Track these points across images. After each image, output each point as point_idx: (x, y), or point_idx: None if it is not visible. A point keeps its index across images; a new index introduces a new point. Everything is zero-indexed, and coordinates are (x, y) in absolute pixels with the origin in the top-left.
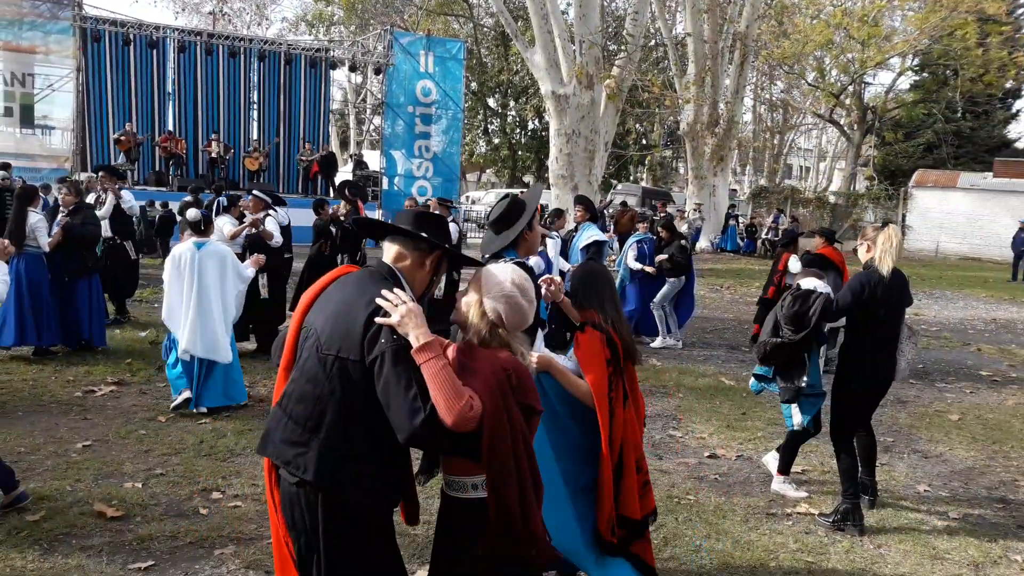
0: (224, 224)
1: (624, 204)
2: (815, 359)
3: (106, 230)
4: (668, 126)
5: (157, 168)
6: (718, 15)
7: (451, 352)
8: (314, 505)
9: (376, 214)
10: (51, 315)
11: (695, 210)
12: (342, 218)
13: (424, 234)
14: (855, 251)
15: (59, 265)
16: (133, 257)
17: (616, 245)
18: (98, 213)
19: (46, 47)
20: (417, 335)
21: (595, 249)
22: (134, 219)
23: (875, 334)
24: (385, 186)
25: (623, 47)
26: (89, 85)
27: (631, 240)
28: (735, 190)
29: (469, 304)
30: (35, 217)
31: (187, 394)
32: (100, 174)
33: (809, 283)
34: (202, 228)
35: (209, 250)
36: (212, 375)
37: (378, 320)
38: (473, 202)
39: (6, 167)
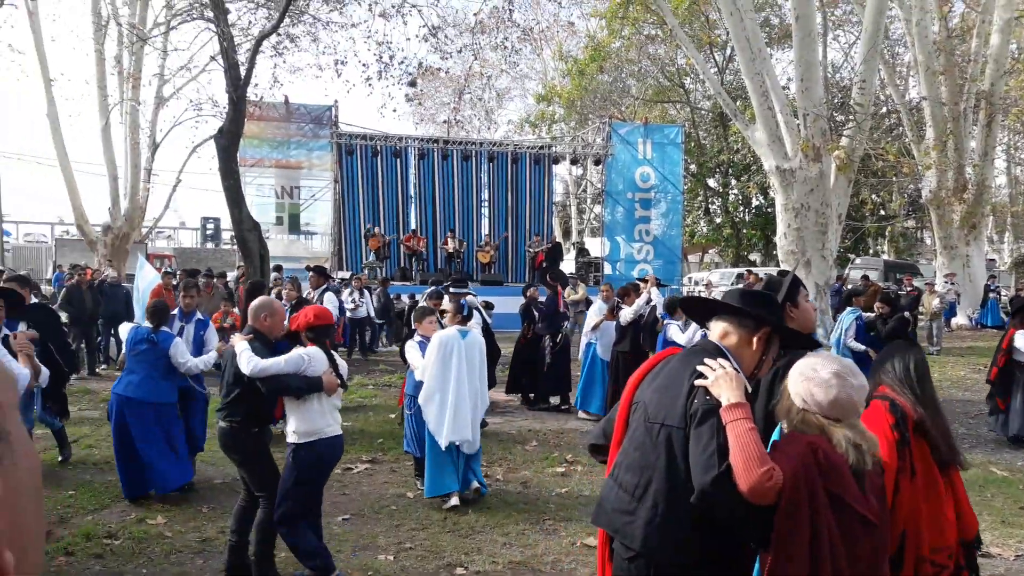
0: None
1: (865, 278)
2: None
3: None
4: (909, 195)
5: (402, 264)
6: (956, 76)
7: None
8: None
9: (597, 299)
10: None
11: (947, 282)
12: (539, 302)
13: (749, 311)
14: None
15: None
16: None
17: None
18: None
19: (309, 162)
20: (729, 396)
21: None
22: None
23: None
24: (608, 271)
25: (851, 117)
26: (344, 193)
27: (848, 317)
28: (993, 260)
29: (781, 393)
30: None
31: (455, 500)
32: (310, 273)
33: None
34: (465, 316)
35: (472, 338)
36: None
37: (696, 383)
38: (696, 283)
39: (278, 269)
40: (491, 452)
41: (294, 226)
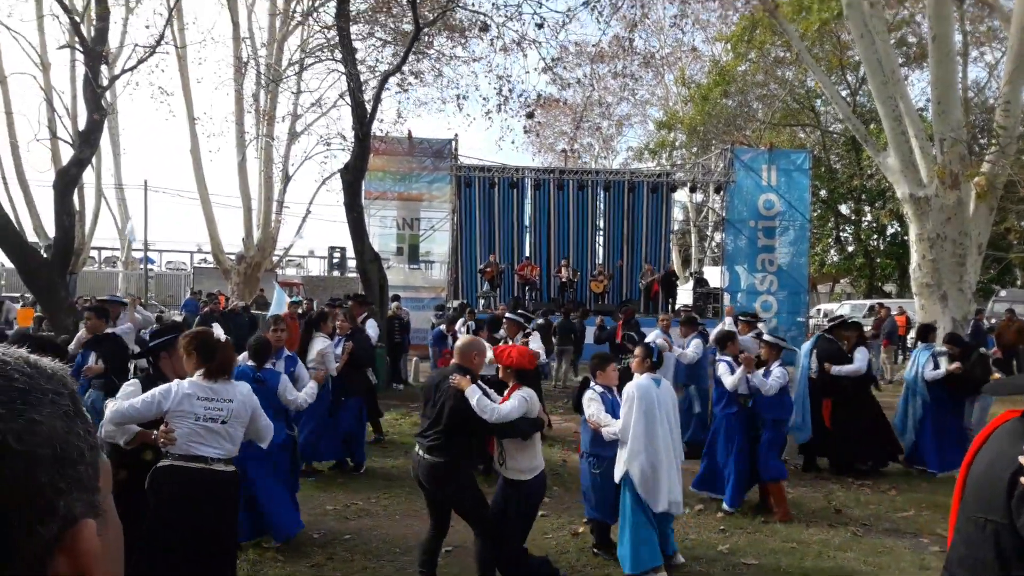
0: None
1: (1011, 312)
2: None
3: None
4: None
5: (515, 293)
6: None
7: None
8: None
9: (655, 330)
10: (335, 433)
11: None
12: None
13: None
14: None
15: (338, 386)
16: (374, 382)
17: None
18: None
19: (429, 194)
20: None
21: None
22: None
23: None
24: (727, 302)
25: (994, 140)
26: (461, 224)
27: (923, 354)
28: None
29: None
30: (324, 343)
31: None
32: (350, 302)
33: None
34: (655, 362)
35: (665, 387)
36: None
37: (1022, 480)
38: (825, 315)
39: (397, 298)
40: None
41: (413, 256)
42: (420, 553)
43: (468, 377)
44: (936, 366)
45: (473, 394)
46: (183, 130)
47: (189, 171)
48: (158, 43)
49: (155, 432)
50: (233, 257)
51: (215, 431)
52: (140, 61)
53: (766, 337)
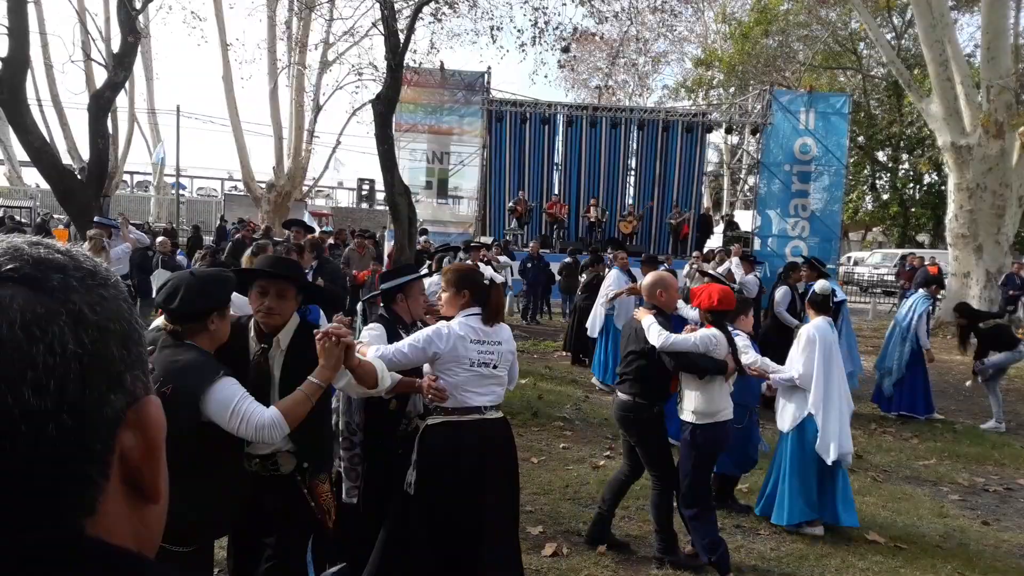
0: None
1: None
2: None
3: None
4: None
5: (543, 232)
6: None
7: None
8: None
9: (614, 269)
10: None
11: None
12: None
13: None
14: None
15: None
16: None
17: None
18: None
19: (460, 128)
20: None
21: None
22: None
23: None
24: (757, 246)
25: None
26: (491, 159)
27: (922, 304)
28: None
29: None
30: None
31: (819, 530)
32: (293, 228)
33: None
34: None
35: (835, 331)
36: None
37: None
38: (856, 263)
39: (425, 232)
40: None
41: (442, 191)
42: (606, 490)
43: (650, 310)
44: (928, 328)
45: (648, 322)
46: (215, 56)
47: (221, 98)
48: None
49: (418, 380)
50: (263, 185)
51: (486, 376)
52: None
53: (709, 270)
